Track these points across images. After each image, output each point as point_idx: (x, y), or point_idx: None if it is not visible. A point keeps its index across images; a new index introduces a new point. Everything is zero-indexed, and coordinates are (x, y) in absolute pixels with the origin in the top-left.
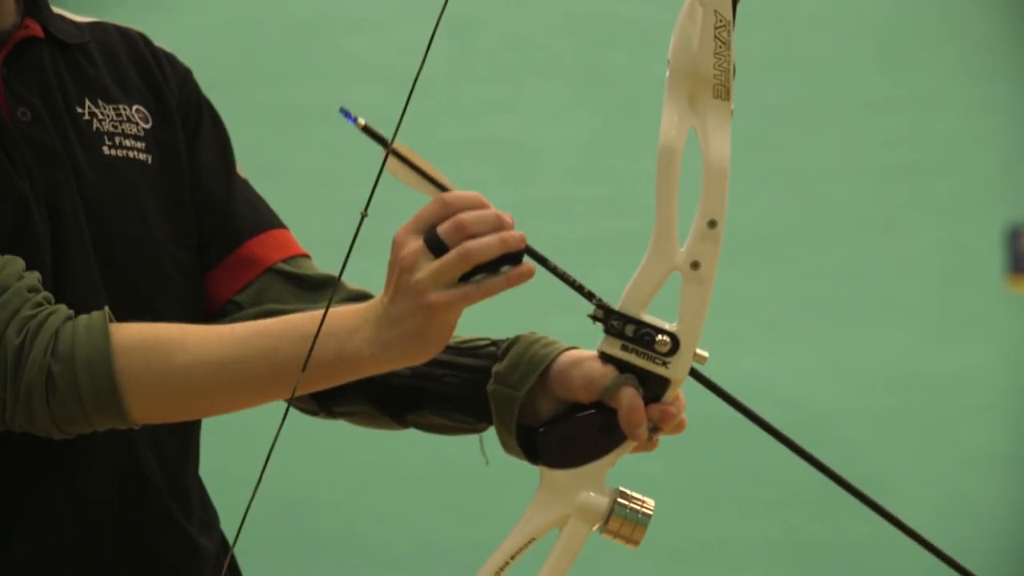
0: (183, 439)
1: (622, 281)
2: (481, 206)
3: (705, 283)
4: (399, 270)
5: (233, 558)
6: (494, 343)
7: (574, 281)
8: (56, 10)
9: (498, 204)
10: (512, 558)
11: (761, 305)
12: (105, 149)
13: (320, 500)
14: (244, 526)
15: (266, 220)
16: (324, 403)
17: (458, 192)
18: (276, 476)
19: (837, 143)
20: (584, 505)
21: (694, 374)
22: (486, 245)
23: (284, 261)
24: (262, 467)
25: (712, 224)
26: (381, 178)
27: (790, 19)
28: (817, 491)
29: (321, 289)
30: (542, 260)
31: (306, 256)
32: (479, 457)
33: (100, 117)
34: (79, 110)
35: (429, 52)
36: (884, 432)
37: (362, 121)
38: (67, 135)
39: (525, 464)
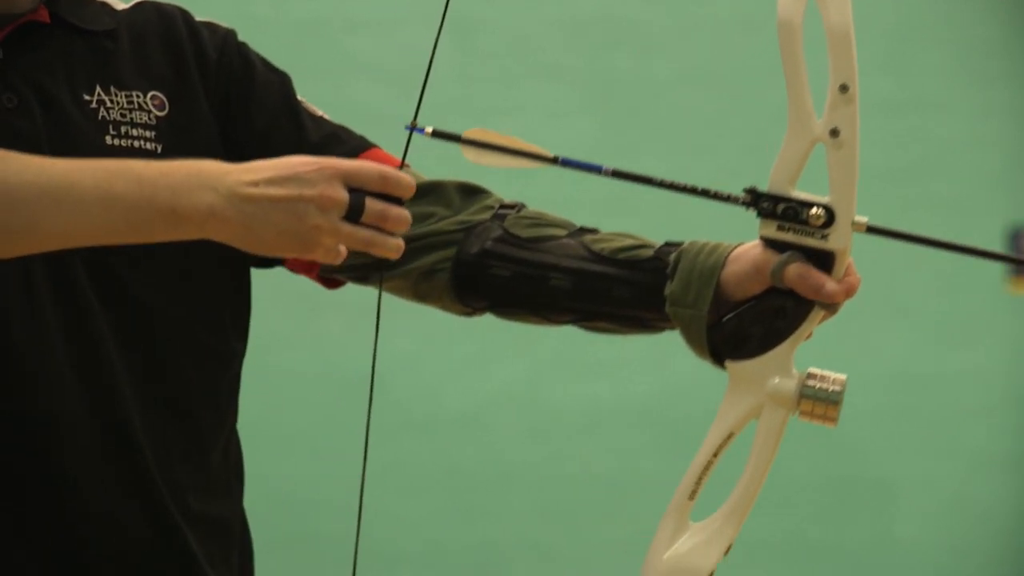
0: (185, 438)
1: None
2: (408, 193)
3: (847, 146)
4: (312, 202)
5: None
6: (656, 255)
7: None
8: None
9: None
10: (715, 455)
11: None
12: (108, 139)
13: (326, 501)
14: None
15: (353, 144)
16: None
17: (398, 174)
18: (283, 477)
19: None
20: (774, 392)
21: (873, 229)
22: (390, 247)
23: None
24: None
25: (844, 88)
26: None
27: None
28: (817, 492)
29: (426, 195)
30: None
31: (404, 165)
32: (485, 458)
33: (108, 105)
34: (87, 97)
35: (432, 53)
36: (886, 433)
37: (429, 129)
38: (63, 123)
39: (531, 464)
